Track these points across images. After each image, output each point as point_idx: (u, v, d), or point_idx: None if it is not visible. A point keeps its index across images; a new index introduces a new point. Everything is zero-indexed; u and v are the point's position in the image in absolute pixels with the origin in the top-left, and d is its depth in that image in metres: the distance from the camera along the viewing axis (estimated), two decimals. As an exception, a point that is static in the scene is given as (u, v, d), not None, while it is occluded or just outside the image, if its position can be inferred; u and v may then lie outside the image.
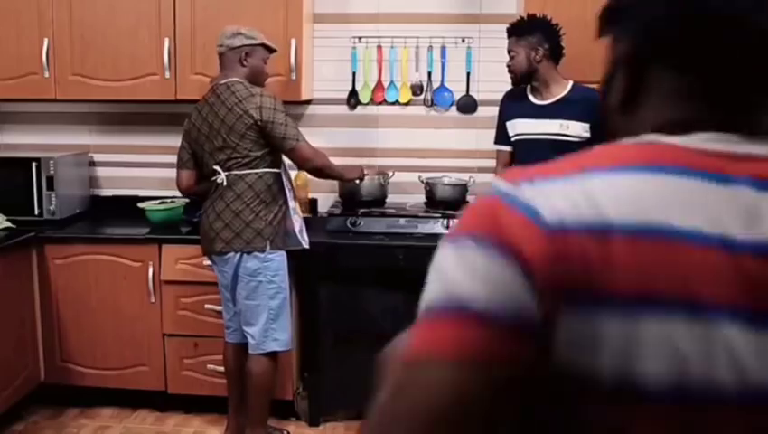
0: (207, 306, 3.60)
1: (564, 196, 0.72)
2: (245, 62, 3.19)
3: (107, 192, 4.28)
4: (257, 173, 3.15)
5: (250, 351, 3.25)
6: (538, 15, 3.28)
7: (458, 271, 0.71)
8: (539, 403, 0.71)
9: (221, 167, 3.16)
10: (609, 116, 0.88)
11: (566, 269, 0.69)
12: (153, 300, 3.65)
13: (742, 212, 0.70)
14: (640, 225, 0.69)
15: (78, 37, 3.79)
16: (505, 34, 3.86)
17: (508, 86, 3.70)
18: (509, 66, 3.33)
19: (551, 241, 0.69)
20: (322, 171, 3.31)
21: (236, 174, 3.15)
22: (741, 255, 0.69)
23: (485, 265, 0.70)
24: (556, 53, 3.28)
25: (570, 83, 3.30)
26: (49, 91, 3.84)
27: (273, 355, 3.25)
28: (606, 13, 0.93)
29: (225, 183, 3.16)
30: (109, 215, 4.13)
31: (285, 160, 3.27)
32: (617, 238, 0.69)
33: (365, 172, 3.66)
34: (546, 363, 0.68)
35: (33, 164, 3.83)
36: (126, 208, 4.04)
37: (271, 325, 3.21)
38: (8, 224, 3.70)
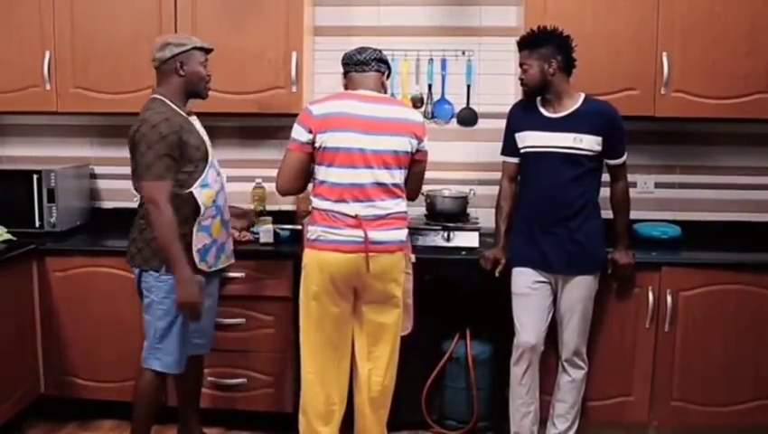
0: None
1: (320, 107, 3.06)
2: (181, 72, 3.11)
3: (107, 204, 4.28)
4: None
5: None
6: (549, 27, 3.26)
7: (296, 131, 3.08)
8: (317, 157, 3.07)
9: (134, 186, 3.10)
10: (346, 85, 3.23)
11: (318, 126, 3.02)
12: (153, 312, 3.65)
13: (365, 108, 3.05)
14: (338, 111, 3.04)
15: (79, 50, 3.81)
16: (505, 47, 3.92)
17: (508, 98, 3.72)
18: (521, 79, 3.30)
19: (315, 119, 3.04)
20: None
21: (142, 194, 3.06)
22: (362, 117, 3.03)
23: (299, 129, 3.07)
24: (568, 66, 3.26)
25: (582, 96, 3.28)
26: (50, 104, 3.86)
27: (156, 374, 3.16)
28: (343, 60, 3.21)
29: (138, 202, 3.12)
30: (110, 227, 4.14)
31: (209, 178, 3.12)
32: (335, 115, 3.03)
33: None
34: (314, 147, 3.05)
35: (34, 176, 3.85)
36: (126, 220, 3.99)
37: (156, 345, 3.13)
38: (9, 236, 3.71)
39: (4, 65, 3.86)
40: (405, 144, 3.08)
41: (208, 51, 3.22)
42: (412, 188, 3.22)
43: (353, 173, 3.01)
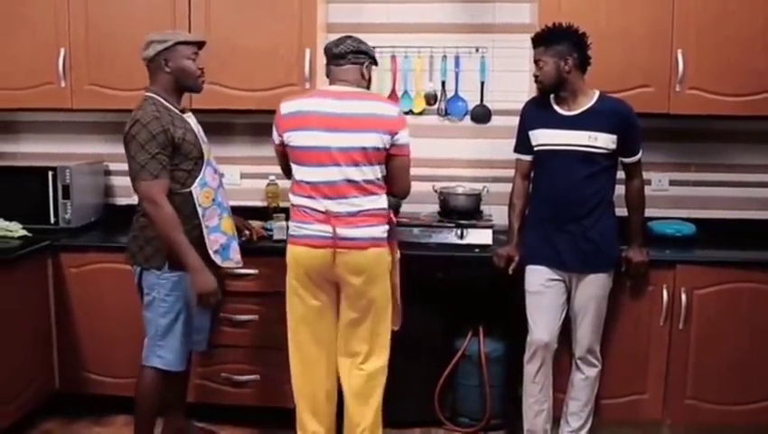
0: (221, 313, 3.61)
1: (289, 105, 3.10)
2: (167, 68, 3.09)
3: (121, 200, 4.29)
4: None
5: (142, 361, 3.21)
6: (564, 24, 3.23)
7: (274, 133, 3.16)
8: (288, 155, 3.13)
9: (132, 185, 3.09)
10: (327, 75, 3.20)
11: (286, 125, 3.08)
12: (167, 309, 3.65)
13: (334, 105, 3.02)
14: (304, 110, 3.06)
15: (94, 47, 3.83)
16: (519, 44, 3.90)
17: (522, 95, 3.70)
18: (536, 76, 3.26)
19: (283, 118, 3.10)
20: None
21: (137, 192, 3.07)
22: (329, 115, 3.01)
23: (274, 130, 3.16)
24: (583, 63, 3.23)
25: (596, 93, 3.25)
26: (65, 101, 3.88)
27: (158, 372, 3.16)
28: (324, 51, 3.15)
29: (138, 200, 3.11)
30: (124, 224, 4.10)
31: (207, 176, 3.13)
32: (300, 114, 3.05)
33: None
34: (285, 145, 3.11)
35: (50, 173, 3.87)
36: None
37: (158, 342, 3.13)
38: (24, 232, 3.73)
39: (19, 63, 3.87)
40: (374, 139, 3.01)
41: (198, 44, 3.19)
42: (396, 184, 3.17)
43: (322, 171, 3.02)
